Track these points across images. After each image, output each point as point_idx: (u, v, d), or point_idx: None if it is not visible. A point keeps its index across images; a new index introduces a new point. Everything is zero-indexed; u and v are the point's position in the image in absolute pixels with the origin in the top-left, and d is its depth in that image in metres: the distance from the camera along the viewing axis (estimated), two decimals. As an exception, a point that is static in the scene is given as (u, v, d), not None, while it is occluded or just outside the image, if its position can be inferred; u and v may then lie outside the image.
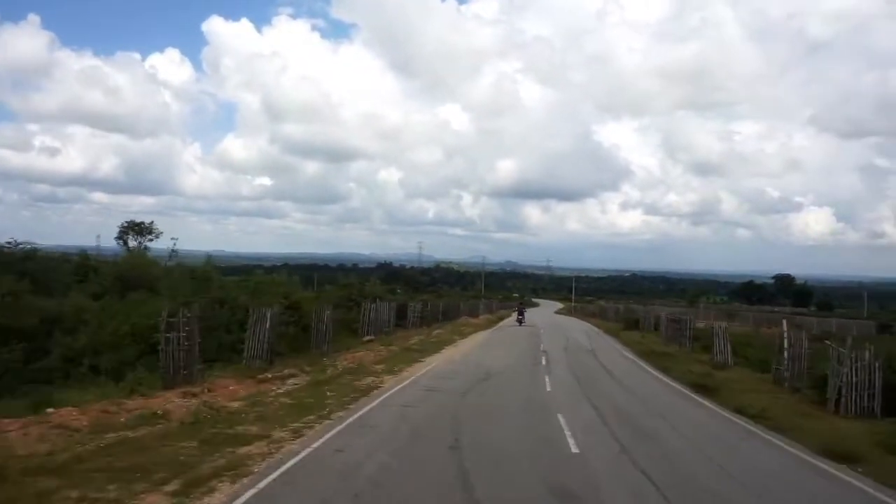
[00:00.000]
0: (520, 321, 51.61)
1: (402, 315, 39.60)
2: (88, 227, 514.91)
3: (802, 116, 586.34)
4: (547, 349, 31.29)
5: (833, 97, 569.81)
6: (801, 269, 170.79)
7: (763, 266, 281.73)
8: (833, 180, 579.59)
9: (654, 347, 32.07)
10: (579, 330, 49.12)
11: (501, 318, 61.68)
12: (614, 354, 32.05)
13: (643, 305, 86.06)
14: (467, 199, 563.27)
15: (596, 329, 51.08)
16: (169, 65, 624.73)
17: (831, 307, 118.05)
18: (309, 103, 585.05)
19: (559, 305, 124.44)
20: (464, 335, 38.86)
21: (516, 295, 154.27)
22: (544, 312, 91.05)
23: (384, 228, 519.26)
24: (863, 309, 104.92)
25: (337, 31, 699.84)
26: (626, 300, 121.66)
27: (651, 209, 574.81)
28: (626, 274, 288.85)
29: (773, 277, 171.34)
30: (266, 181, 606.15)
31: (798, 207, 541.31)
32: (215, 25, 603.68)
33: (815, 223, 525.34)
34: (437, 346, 30.28)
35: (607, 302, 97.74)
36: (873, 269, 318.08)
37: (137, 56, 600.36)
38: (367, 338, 29.84)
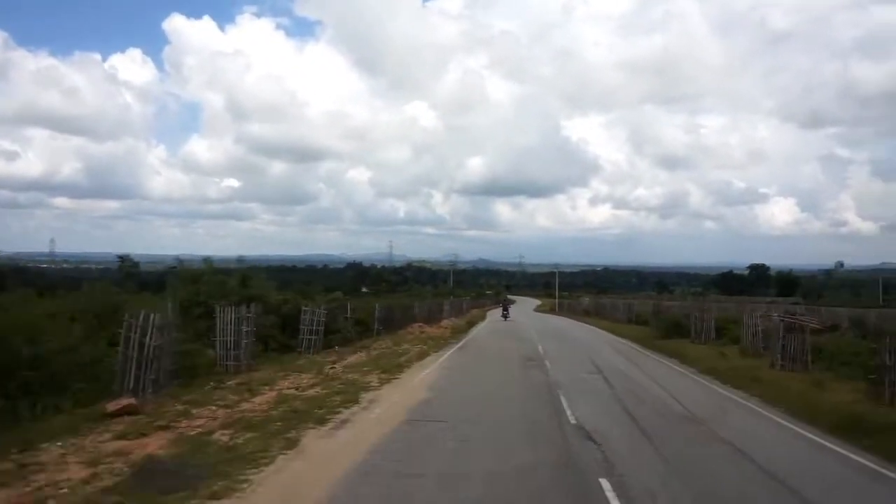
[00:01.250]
0: (505, 316, 52.41)
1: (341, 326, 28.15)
2: (51, 233, 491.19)
3: (765, 107, 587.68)
4: (584, 420, 12.77)
5: (795, 88, 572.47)
6: (767, 259, 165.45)
7: (731, 257, 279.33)
8: (796, 171, 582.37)
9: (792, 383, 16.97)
10: (595, 341, 32.25)
11: (473, 324, 43.57)
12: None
13: (625, 299, 76.42)
14: (438, 197, 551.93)
15: (614, 337, 34.28)
16: (130, 65, 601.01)
17: (818, 296, 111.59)
18: (275, 103, 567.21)
19: (536, 302, 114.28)
20: (392, 372, 18.99)
21: (489, 292, 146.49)
22: (524, 310, 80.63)
23: (355, 229, 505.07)
24: (844, 298, 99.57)
25: (301, 29, 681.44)
26: (599, 294, 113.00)
27: (620, 203, 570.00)
28: (599, 268, 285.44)
29: (749, 267, 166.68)
30: (234, 183, 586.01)
31: (763, 198, 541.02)
32: (177, 24, 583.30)
33: (780, 213, 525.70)
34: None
35: (592, 297, 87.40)
36: (838, 256, 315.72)
37: (97, 56, 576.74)
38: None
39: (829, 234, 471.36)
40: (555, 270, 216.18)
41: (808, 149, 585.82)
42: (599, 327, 43.00)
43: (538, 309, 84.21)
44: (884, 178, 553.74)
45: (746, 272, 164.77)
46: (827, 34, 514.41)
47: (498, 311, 58.91)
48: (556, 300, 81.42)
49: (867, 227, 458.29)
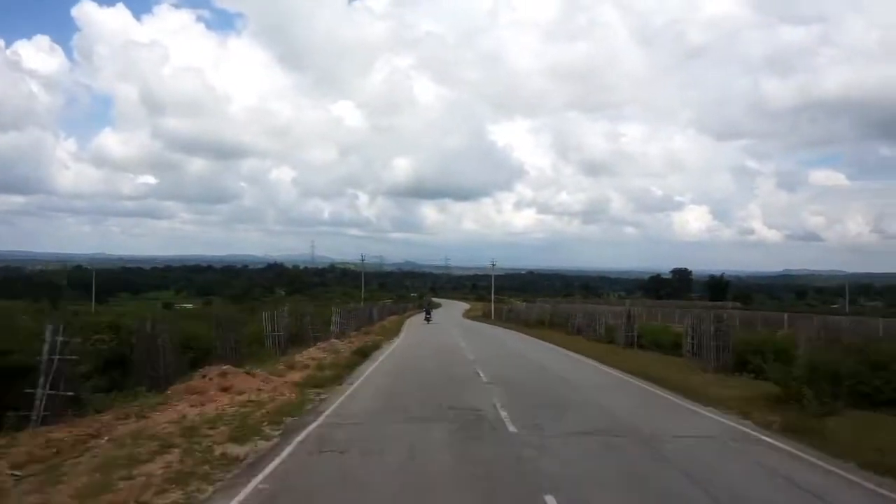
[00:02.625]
0: (427, 320, 49.74)
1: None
2: None
3: (683, 118, 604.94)
4: None
5: (709, 100, 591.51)
6: (680, 265, 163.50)
7: (647, 262, 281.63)
8: (709, 180, 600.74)
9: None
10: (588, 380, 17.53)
11: (377, 345, 25.45)
12: None
13: (546, 303, 65.80)
14: (363, 198, 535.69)
15: (601, 366, 20.17)
16: (37, 52, 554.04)
17: (749, 300, 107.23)
18: (194, 97, 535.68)
19: (464, 305, 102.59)
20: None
21: (414, 294, 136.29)
22: (451, 315, 68.64)
23: (278, 229, 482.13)
24: (764, 302, 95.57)
25: (222, 21, 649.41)
26: (528, 298, 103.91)
27: (544, 208, 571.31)
28: (524, 272, 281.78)
29: (672, 272, 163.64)
30: (150, 179, 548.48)
31: (679, 206, 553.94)
32: (88, 10, 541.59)
33: (693, 221, 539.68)
34: None
35: (529, 302, 75.91)
36: (744, 264, 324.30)
37: (0, 42, 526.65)
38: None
39: (738, 241, 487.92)
40: (485, 273, 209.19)
41: (721, 159, 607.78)
42: (588, 354, 23.47)
43: (468, 315, 72.04)
44: (788, 190, 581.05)
45: (670, 276, 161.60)
46: (739, 50, 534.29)
47: (421, 317, 53.49)
48: (493, 305, 67.52)
49: (772, 235, 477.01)
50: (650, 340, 25.67)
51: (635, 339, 26.16)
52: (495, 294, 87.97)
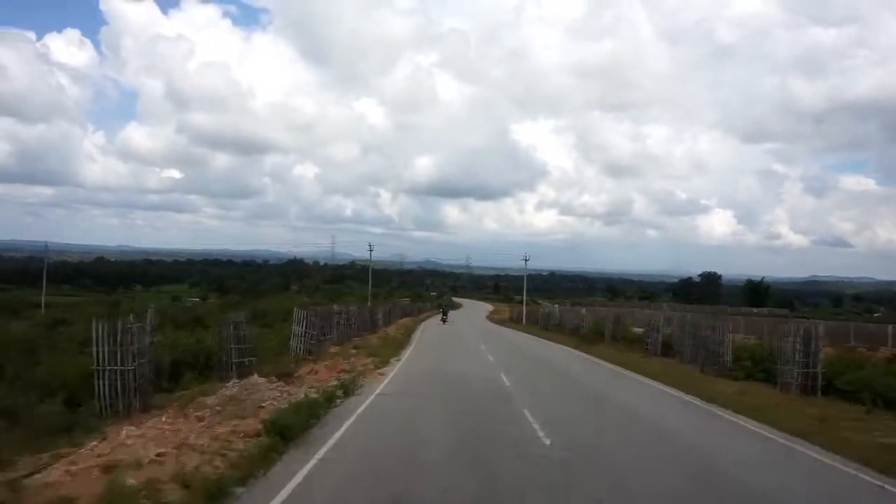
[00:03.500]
0: (444, 321, 48.71)
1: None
2: None
3: (709, 119, 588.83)
4: None
5: (736, 101, 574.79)
6: (705, 269, 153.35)
7: (670, 266, 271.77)
8: (735, 183, 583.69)
9: None
10: None
11: (355, 383, 14.17)
12: None
13: (602, 307, 56.53)
14: (385, 196, 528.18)
15: None
16: (67, 46, 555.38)
17: (791, 307, 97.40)
18: (219, 92, 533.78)
19: (486, 307, 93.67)
20: None
21: (433, 294, 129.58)
22: (473, 319, 59.69)
23: (301, 225, 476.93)
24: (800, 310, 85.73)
25: (248, 16, 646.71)
26: (560, 300, 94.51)
27: (566, 209, 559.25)
28: (545, 273, 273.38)
29: (701, 276, 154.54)
30: (175, 173, 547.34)
31: (704, 209, 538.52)
32: (116, 5, 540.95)
33: (718, 224, 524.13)
34: None
35: (559, 304, 66.37)
36: (770, 269, 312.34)
37: (31, 35, 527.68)
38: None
39: (763, 245, 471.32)
40: (506, 273, 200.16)
41: (748, 162, 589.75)
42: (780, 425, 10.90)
43: (493, 317, 62.80)
44: (815, 194, 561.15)
45: (698, 280, 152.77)
46: (767, 50, 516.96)
47: (437, 320, 49.94)
48: (524, 307, 56.63)
49: (799, 240, 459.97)
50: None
51: (818, 382, 14.75)
52: (516, 295, 78.59)
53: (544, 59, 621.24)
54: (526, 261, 58.85)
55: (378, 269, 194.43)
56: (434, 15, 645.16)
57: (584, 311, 46.77)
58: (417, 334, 34.68)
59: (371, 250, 69.20)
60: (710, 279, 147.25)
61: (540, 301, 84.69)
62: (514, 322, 52.55)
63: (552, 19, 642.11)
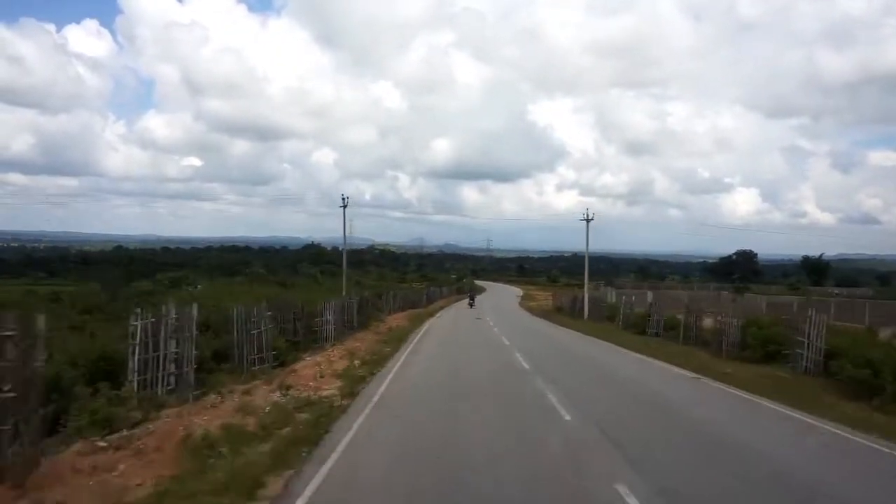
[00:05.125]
0: (471, 305, 46.07)
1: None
2: (6, 211, 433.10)
3: (731, 95, 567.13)
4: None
5: (760, 76, 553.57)
6: (730, 248, 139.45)
7: (693, 246, 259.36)
8: (759, 160, 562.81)
9: None
10: None
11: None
12: None
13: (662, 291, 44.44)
14: (404, 180, 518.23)
15: None
16: (86, 36, 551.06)
17: (856, 284, 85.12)
18: (235, 78, 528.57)
19: (515, 291, 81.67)
20: None
21: (454, 276, 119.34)
22: (504, 308, 48.07)
23: (322, 211, 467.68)
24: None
25: (262, 1, 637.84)
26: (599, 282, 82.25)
27: (586, 190, 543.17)
28: (567, 254, 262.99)
29: (736, 254, 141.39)
30: (195, 161, 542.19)
31: (727, 188, 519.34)
32: None
33: (742, 203, 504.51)
34: None
35: (599, 286, 53.95)
36: (796, 247, 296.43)
37: (51, 27, 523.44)
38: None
39: (789, 224, 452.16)
40: (527, 255, 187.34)
41: (772, 139, 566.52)
42: None
43: (527, 305, 50.78)
44: (842, 171, 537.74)
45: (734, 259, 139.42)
46: (793, 23, 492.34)
47: (459, 309, 44.24)
48: (585, 293, 39.98)
49: (825, 218, 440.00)
50: None
51: None
52: (538, 276, 64.90)
53: (562, 37, 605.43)
54: (588, 219, 43.04)
55: (398, 254, 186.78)
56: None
57: (650, 296, 34.80)
58: (406, 351, 19.92)
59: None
60: (747, 257, 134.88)
61: (560, 283, 72.80)
62: (562, 313, 40.16)
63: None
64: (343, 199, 39.74)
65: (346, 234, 40.80)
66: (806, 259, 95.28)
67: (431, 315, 38.87)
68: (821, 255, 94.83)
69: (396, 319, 31.60)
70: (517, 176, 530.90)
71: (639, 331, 26.96)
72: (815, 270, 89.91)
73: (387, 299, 37.03)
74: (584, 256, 43.76)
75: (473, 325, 31.41)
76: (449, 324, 33.29)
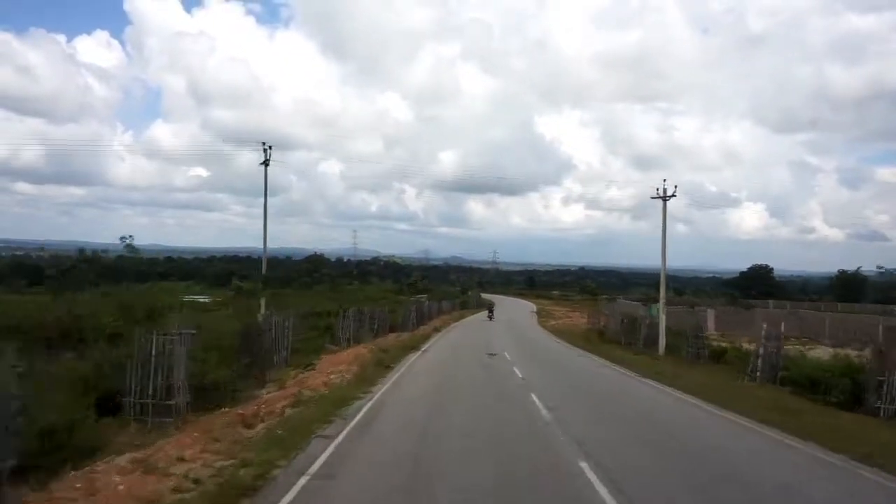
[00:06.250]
0: (490, 317, 46.98)
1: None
2: (14, 220, 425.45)
3: (739, 109, 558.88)
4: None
5: (768, 91, 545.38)
6: (738, 264, 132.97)
7: (700, 261, 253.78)
8: (767, 175, 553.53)
9: None
10: None
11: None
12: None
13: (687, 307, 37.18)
14: (410, 192, 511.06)
15: None
16: (96, 46, 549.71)
17: (889, 301, 77.72)
18: (243, 89, 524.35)
19: (527, 306, 74.24)
20: None
21: (458, 288, 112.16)
22: (517, 323, 40.61)
23: (327, 223, 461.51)
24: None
25: (270, 12, 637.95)
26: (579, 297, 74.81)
27: (593, 203, 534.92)
28: (574, 268, 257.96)
29: (750, 269, 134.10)
30: (201, 171, 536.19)
31: (735, 202, 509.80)
32: (139, 4, 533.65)
33: (749, 218, 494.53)
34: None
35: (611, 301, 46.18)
36: (803, 263, 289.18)
37: (61, 37, 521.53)
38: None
39: (796, 239, 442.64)
40: (534, 268, 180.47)
41: (780, 154, 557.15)
42: None
43: (550, 327, 41.86)
44: (850, 187, 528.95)
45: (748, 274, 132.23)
46: (801, 38, 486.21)
47: (466, 332, 38.37)
48: (662, 316, 27.92)
49: (833, 234, 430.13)
50: None
51: None
52: (549, 288, 54.99)
53: (569, 50, 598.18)
54: (666, 197, 35.69)
55: (402, 266, 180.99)
56: (453, 5, 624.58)
57: (709, 313, 27.26)
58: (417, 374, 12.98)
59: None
60: (763, 272, 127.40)
61: (599, 297, 65.51)
62: (604, 340, 30.14)
63: (577, 7, 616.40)
64: (265, 149, 28.66)
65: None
66: (842, 273, 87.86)
67: (414, 348, 25.51)
68: (858, 269, 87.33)
69: (337, 362, 19.42)
70: (524, 189, 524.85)
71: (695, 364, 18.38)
72: (847, 285, 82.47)
73: (343, 324, 26.64)
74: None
75: (484, 374, 18.94)
76: (437, 375, 18.46)
